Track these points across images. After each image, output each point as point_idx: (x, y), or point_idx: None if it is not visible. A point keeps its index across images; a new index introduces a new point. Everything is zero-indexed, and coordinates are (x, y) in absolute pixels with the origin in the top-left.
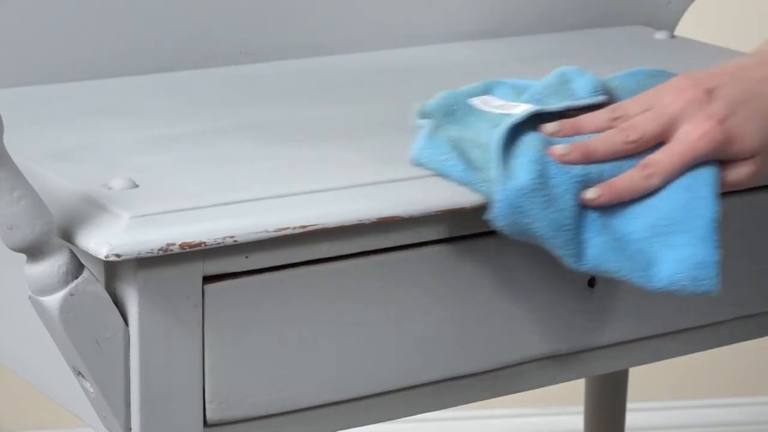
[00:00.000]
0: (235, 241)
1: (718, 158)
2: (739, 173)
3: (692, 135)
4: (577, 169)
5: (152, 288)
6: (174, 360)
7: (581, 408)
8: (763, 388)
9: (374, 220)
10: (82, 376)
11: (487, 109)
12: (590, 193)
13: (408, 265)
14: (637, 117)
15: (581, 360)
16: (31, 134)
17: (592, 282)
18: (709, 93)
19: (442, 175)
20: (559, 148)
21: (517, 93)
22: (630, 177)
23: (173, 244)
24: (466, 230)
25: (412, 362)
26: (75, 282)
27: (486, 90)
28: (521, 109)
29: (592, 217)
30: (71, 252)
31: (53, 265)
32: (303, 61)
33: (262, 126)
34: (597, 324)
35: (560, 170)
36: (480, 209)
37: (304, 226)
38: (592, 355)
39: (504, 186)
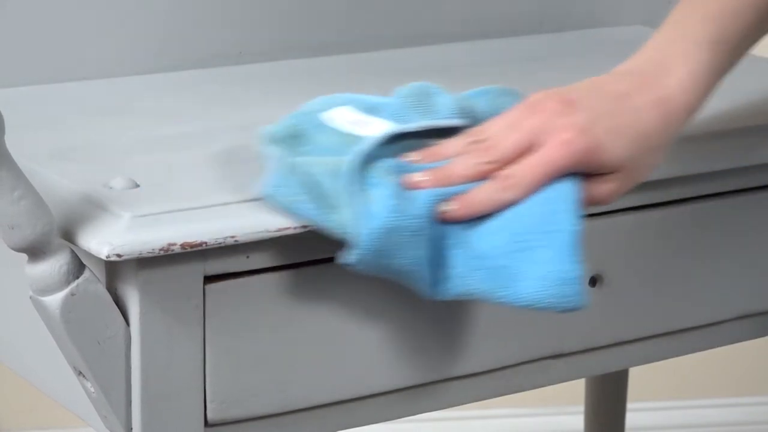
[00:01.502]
0: (236, 240)
1: (582, 170)
2: (601, 189)
3: (552, 145)
4: (437, 192)
5: (153, 288)
6: (175, 360)
7: (581, 408)
8: (763, 388)
9: None
10: (83, 376)
11: (338, 126)
12: (445, 206)
13: None
14: (496, 135)
15: (581, 360)
16: (31, 134)
17: (592, 281)
18: (570, 104)
19: (294, 215)
20: (414, 176)
21: (370, 109)
22: (487, 190)
23: (174, 244)
24: None
25: (411, 362)
26: (76, 282)
27: (336, 104)
28: (376, 127)
29: (452, 241)
30: (72, 252)
31: (54, 264)
32: (303, 61)
33: (262, 126)
34: (597, 324)
35: (417, 201)
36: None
37: (304, 226)
38: (592, 355)
39: (362, 229)
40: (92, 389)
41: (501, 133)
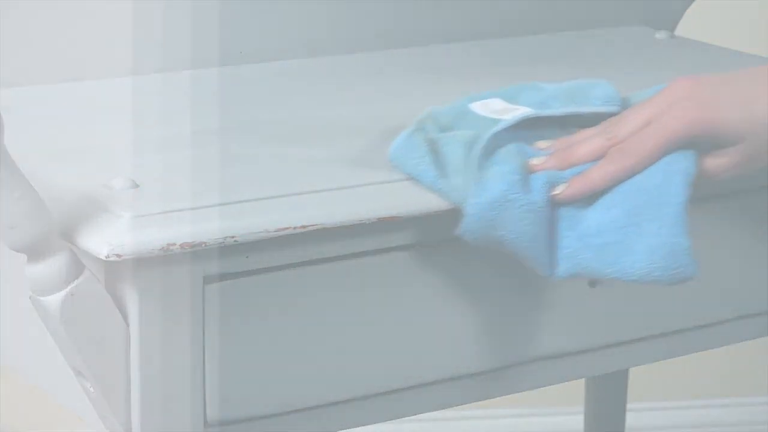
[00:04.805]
0: (236, 241)
1: (698, 140)
2: (712, 163)
3: (670, 115)
4: (553, 175)
5: (153, 288)
6: (174, 360)
7: (581, 408)
8: (763, 388)
9: (374, 220)
10: (83, 376)
11: (484, 113)
12: (557, 189)
13: (408, 265)
14: (624, 117)
15: (581, 360)
16: (31, 134)
17: (592, 281)
18: (694, 81)
19: (413, 178)
20: (536, 160)
21: (519, 100)
22: (601, 164)
23: (174, 244)
24: None
25: (412, 362)
26: (75, 282)
27: (504, 95)
28: (518, 113)
29: (565, 223)
30: (72, 252)
31: (54, 265)
32: (303, 61)
33: (262, 126)
34: (597, 324)
35: (534, 181)
36: None
37: (304, 226)
38: (592, 355)
39: (476, 199)
40: (92, 389)
41: (628, 114)
